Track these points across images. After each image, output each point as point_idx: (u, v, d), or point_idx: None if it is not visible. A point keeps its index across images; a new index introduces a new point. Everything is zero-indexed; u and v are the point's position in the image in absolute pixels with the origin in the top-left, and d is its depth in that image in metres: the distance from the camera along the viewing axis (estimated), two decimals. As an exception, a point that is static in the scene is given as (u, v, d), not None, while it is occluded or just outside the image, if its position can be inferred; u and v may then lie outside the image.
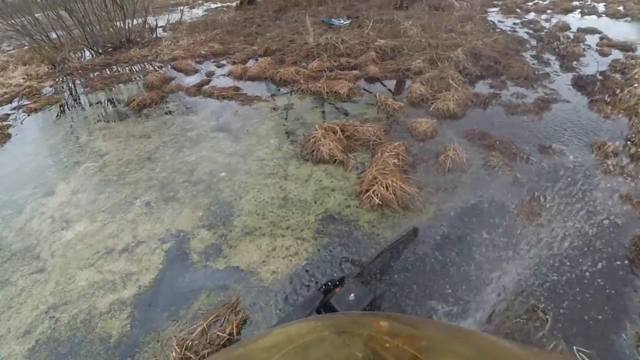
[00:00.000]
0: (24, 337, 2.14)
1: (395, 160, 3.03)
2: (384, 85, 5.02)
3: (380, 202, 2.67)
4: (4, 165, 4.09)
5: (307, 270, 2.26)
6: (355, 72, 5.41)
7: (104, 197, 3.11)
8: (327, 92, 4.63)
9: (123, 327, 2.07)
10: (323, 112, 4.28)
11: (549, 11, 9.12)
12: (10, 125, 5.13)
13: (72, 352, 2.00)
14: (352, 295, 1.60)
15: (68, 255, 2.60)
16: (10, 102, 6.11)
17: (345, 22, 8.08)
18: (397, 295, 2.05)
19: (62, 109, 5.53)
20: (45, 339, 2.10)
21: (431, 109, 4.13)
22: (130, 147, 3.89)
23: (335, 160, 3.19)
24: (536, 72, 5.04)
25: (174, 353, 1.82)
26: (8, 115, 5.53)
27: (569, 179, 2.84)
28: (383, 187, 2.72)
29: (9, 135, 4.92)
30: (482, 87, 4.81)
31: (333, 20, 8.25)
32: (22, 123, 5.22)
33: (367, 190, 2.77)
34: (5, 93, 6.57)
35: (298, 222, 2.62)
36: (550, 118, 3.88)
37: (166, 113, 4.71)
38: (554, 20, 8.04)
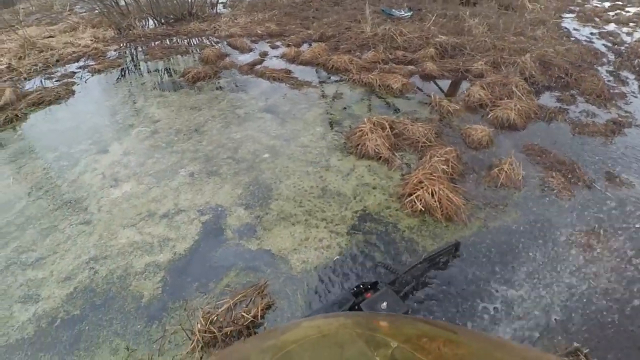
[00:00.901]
0: (64, 282, 2.28)
1: (445, 167, 2.86)
2: (436, 84, 4.75)
3: (423, 209, 2.53)
4: (65, 119, 4.38)
5: (337, 266, 2.20)
6: (410, 67, 5.18)
7: (152, 162, 3.23)
8: (379, 85, 4.47)
9: (155, 290, 2.14)
10: (372, 105, 4.14)
11: (632, 24, 8.15)
12: (75, 83, 5.49)
13: (105, 304, 2.11)
14: (385, 303, 1.52)
15: (113, 212, 2.73)
16: (77, 61, 6.53)
17: (406, 14, 7.75)
18: (430, 310, 1.94)
19: (122, 73, 5.82)
20: (83, 287, 2.23)
21: (489, 116, 3.85)
22: (181, 117, 4.00)
23: (380, 157, 3.07)
24: (611, 90, 4.51)
25: (199, 325, 1.85)
26: (74, 73, 5.92)
27: (638, 216, 2.53)
28: (428, 193, 2.57)
29: (73, 92, 5.27)
30: (548, 100, 4.40)
31: (393, 10, 7.94)
32: (85, 82, 5.56)
33: (411, 194, 2.63)
34: (74, 52, 7.03)
35: (334, 215, 2.55)
36: (622, 144, 3.46)
37: (217, 88, 4.79)
38: (637, 35, 7.18)
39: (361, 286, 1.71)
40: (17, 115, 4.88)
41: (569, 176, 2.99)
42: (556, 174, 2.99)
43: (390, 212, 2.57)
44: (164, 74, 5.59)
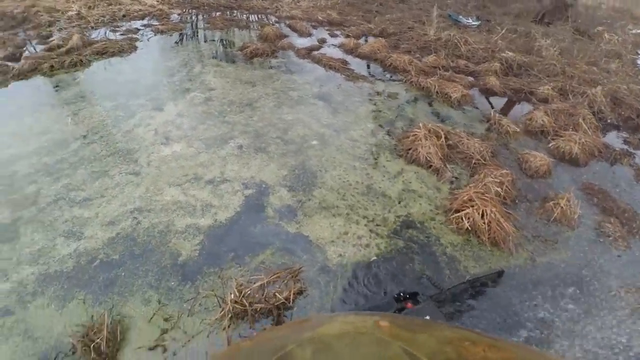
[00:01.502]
0: (108, 226, 2.37)
1: (499, 189, 2.72)
2: (489, 102, 4.53)
3: (470, 228, 2.43)
4: (126, 73, 4.53)
5: (374, 267, 2.14)
6: (471, 79, 4.96)
7: (203, 128, 3.28)
8: (437, 91, 4.31)
9: (192, 251, 2.18)
10: (427, 111, 4.01)
11: None
12: (137, 39, 5.67)
13: (144, 255, 2.17)
14: (428, 317, 1.46)
15: (162, 169, 2.79)
16: (142, 19, 6.74)
17: (473, 23, 7.44)
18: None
19: (183, 37, 5.94)
20: (124, 235, 2.30)
21: (550, 145, 3.63)
22: (235, 89, 4.04)
23: (431, 166, 2.96)
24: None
25: (232, 295, 1.86)
26: (138, 30, 6.11)
27: None
28: (478, 213, 2.46)
29: (135, 48, 5.44)
30: (615, 139, 4.09)
31: (461, 17, 7.63)
32: (148, 40, 5.73)
33: (459, 210, 2.52)
34: (140, 10, 7.26)
35: (376, 216, 2.49)
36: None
37: (273, 67, 4.79)
38: None
39: (402, 294, 1.64)
40: (82, 61, 5.10)
41: (628, 225, 2.77)
42: (614, 220, 2.78)
43: (435, 225, 2.48)
44: (222, 44, 5.66)
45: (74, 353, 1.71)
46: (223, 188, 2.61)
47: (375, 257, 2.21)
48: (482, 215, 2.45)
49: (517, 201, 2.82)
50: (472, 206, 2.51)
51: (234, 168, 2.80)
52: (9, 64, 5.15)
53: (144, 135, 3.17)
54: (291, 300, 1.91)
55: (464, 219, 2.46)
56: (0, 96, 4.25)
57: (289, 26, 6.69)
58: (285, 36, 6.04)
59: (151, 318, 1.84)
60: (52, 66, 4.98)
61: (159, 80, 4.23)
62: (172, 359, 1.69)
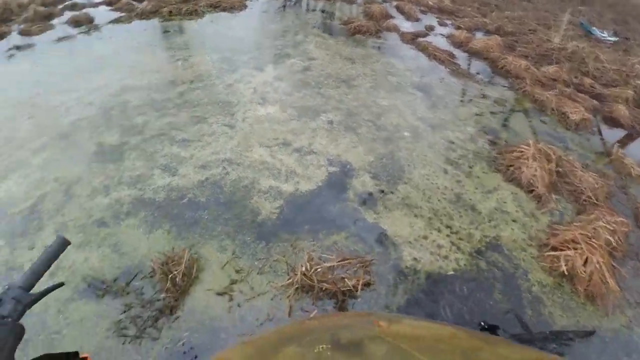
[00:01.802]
0: (200, 169, 2.51)
1: (611, 238, 2.33)
2: (612, 134, 3.85)
3: (566, 272, 2.12)
4: (234, 29, 4.70)
5: (449, 283, 1.99)
6: (595, 102, 4.28)
7: (298, 96, 3.28)
8: (553, 108, 3.79)
9: (271, 213, 2.22)
10: (538, 128, 3.55)
11: None
12: (248, -1, 5.84)
13: (227, 205, 2.26)
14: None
15: (254, 127, 2.87)
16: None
17: (609, 38, 6.37)
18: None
19: (286, 3, 5.98)
20: (213, 181, 2.42)
21: (684, 201, 3.01)
22: (335, 63, 3.96)
23: (533, 190, 2.63)
24: None
25: (302, 267, 1.87)
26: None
27: None
28: (581, 258, 2.13)
29: (245, 6, 5.61)
30: None
31: (594, 29, 6.58)
32: (257, 0, 5.86)
33: (557, 249, 2.22)
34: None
35: (461, 229, 2.30)
36: None
37: (374, 47, 4.61)
38: None
39: (482, 323, 1.47)
40: (197, 11, 5.41)
41: None
42: None
43: (524, 257, 2.21)
44: (326, 16, 5.58)
45: (152, 277, 1.86)
46: (309, 159, 2.61)
47: (452, 272, 2.05)
48: (585, 262, 2.13)
49: (627, 257, 2.40)
50: (575, 249, 2.19)
51: (322, 142, 2.78)
52: (134, 3, 5.66)
53: (243, 92, 3.27)
54: (357, 289, 1.86)
55: (561, 260, 2.16)
56: (124, 31, 4.71)
57: (396, 7, 6.37)
58: (391, 17, 5.76)
59: (224, 266, 1.92)
60: (170, 12, 5.37)
61: (262, 42, 4.32)
62: (235, 310, 1.76)
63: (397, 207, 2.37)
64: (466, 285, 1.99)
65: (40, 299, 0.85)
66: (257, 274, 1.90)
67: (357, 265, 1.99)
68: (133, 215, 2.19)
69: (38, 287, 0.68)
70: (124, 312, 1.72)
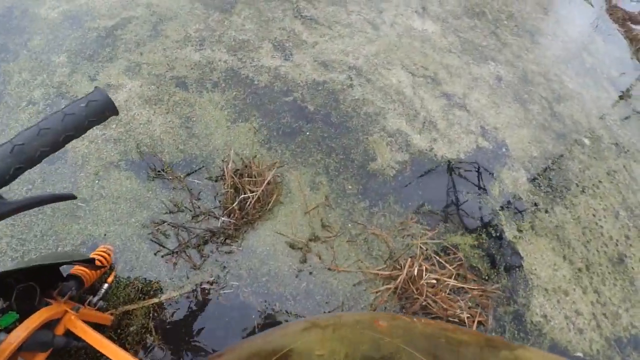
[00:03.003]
0: (319, 66, 1.84)
1: None
2: None
3: None
4: None
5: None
6: None
7: (468, 25, 2.34)
8: None
9: (389, 166, 1.58)
10: None
11: None
12: None
13: (338, 128, 1.64)
14: None
15: (403, 40, 2.07)
16: None
17: None
18: None
19: None
20: (331, 88, 1.77)
21: None
22: (524, 2, 2.83)
23: None
24: None
25: (411, 268, 1.28)
26: None
27: None
28: None
29: None
30: None
31: None
32: None
33: None
34: None
35: (609, 302, 1.57)
36: None
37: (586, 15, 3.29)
38: None
39: None
40: None
41: None
42: None
43: None
44: None
45: (216, 181, 1.37)
46: (457, 115, 1.84)
47: (580, 354, 1.39)
48: None
49: None
50: None
51: (480, 99, 1.96)
52: None
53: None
54: (474, 326, 1.27)
55: None
56: None
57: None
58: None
59: (310, 210, 1.38)
60: None
61: None
62: (304, 277, 1.25)
63: (547, 234, 1.64)
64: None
65: (17, 212, 0.53)
66: (347, 241, 1.35)
67: (477, 293, 1.37)
68: (221, 90, 1.63)
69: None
70: (170, 212, 1.27)
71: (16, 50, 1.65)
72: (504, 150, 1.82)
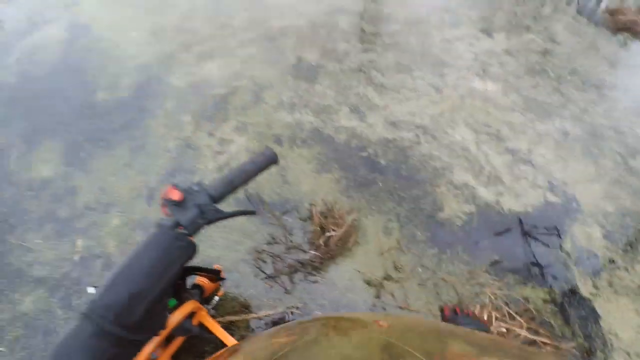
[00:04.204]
0: (389, 126, 2.11)
1: None
2: None
3: None
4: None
5: None
6: None
7: (530, 84, 2.47)
8: None
9: (456, 216, 1.72)
10: None
11: None
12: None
13: (408, 180, 1.85)
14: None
15: (465, 101, 2.28)
16: None
17: None
18: None
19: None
20: (400, 145, 2.01)
21: None
22: (586, 58, 2.89)
23: None
24: None
25: (482, 314, 1.37)
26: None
27: None
28: None
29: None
30: None
31: None
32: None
33: None
34: None
35: None
36: None
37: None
38: None
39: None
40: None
41: None
42: None
43: None
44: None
45: (305, 221, 1.63)
46: (523, 170, 1.94)
47: None
48: None
49: None
50: None
51: (545, 154, 2.04)
52: None
53: (461, 54, 2.65)
54: None
55: None
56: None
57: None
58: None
59: (384, 252, 1.56)
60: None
61: (498, 3, 3.45)
62: (378, 311, 1.41)
63: (627, 293, 1.59)
64: None
65: (224, 219, 0.75)
66: (417, 284, 1.49)
67: (550, 348, 1.39)
68: (308, 146, 1.97)
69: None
70: (268, 243, 1.55)
71: (154, 110, 2.19)
72: (574, 205, 1.85)
